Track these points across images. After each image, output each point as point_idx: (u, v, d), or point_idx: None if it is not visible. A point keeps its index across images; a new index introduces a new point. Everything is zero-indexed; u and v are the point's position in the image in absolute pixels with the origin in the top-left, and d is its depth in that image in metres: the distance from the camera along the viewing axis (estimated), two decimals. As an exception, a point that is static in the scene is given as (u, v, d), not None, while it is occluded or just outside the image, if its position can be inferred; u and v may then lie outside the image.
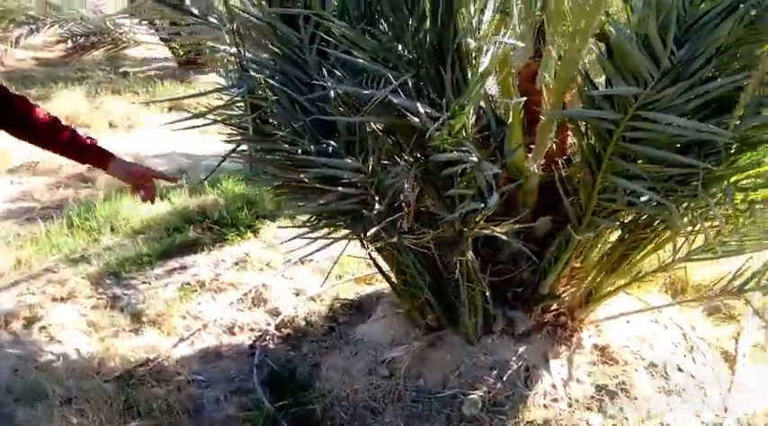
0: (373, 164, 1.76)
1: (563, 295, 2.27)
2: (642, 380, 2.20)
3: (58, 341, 2.49)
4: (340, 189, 1.75)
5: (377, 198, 1.86)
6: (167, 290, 3.04)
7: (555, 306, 2.31)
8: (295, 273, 3.23)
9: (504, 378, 2.16)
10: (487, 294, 2.16)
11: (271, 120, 1.97)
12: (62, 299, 2.84)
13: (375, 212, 1.85)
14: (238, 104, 2.12)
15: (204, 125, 2.33)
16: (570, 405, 2.08)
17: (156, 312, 2.74)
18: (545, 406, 2.07)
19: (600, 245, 2.21)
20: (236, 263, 3.33)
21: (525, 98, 2.01)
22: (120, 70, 8.71)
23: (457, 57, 1.53)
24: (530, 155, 2.15)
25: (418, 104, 1.49)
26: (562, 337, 2.33)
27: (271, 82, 1.79)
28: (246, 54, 1.94)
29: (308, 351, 2.48)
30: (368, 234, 1.83)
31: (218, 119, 2.17)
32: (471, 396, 2.10)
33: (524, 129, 2.11)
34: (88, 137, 1.83)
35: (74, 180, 4.64)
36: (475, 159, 1.61)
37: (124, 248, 3.41)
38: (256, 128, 1.97)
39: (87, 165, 1.94)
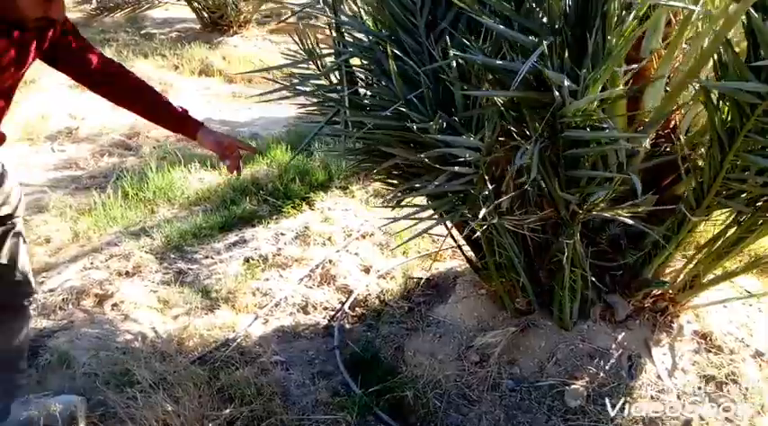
0: (490, 142, 1.61)
1: (669, 280, 2.13)
2: (750, 370, 2.08)
3: (133, 320, 2.41)
4: (456, 168, 1.61)
5: (487, 177, 1.72)
6: (231, 265, 2.95)
7: (656, 292, 2.18)
8: (358, 248, 3.13)
9: (607, 367, 2.05)
10: (590, 279, 2.04)
11: (369, 93, 1.83)
12: (128, 274, 2.76)
13: (485, 192, 1.72)
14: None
15: (283, 98, 2.21)
16: (679, 397, 1.97)
17: (227, 289, 2.65)
18: (652, 398, 1.97)
19: (711, 228, 2.06)
20: (297, 237, 3.22)
21: (636, 66, 1.84)
22: (143, 32, 8.52)
23: (602, 20, 1.36)
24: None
25: (564, 76, 1.34)
26: (662, 323, 2.21)
27: (376, 49, 1.64)
28: (342, 17, 1.79)
29: (388, 333, 2.39)
30: (478, 216, 1.70)
31: (309, 89, 2.04)
32: (574, 386, 2.00)
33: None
34: (179, 106, 1.82)
35: (117, 147, 4.53)
36: (615, 134, 1.46)
37: (182, 220, 3.32)
38: (353, 101, 1.83)
39: (178, 133, 1.88)
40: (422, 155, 1.59)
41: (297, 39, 2.29)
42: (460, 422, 1.98)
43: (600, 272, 2.17)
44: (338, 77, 1.88)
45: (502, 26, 1.36)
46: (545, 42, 1.32)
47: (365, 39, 1.71)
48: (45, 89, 5.45)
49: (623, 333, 2.16)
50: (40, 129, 4.71)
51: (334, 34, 1.80)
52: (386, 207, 2.31)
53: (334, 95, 2.06)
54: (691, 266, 2.15)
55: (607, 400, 1.94)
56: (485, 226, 1.98)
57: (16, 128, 4.55)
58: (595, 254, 2.11)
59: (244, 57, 7.79)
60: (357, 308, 2.62)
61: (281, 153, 4.21)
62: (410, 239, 2.72)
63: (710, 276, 2.14)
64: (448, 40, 1.57)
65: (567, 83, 1.36)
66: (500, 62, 1.39)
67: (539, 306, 2.25)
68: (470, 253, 2.44)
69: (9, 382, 1.84)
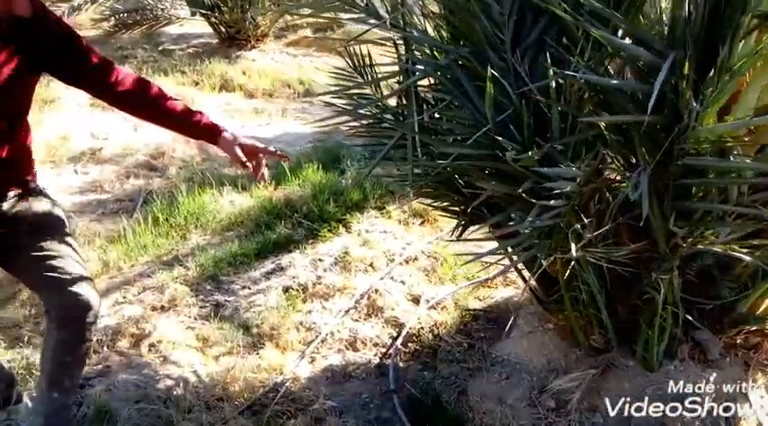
0: (589, 172, 1.42)
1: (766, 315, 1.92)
2: None
3: (173, 363, 2.24)
4: (552, 202, 1.42)
5: (580, 210, 1.53)
6: (270, 296, 2.77)
7: (750, 328, 1.97)
8: (403, 275, 2.94)
9: (702, 416, 1.84)
10: (681, 315, 1.83)
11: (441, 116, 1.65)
12: (163, 309, 2.59)
13: (579, 226, 1.53)
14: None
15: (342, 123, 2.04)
16: (788, 450, 1.76)
17: (269, 324, 2.47)
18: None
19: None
20: (336, 263, 3.04)
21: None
22: (160, 48, 8.44)
23: (733, 31, 1.17)
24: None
25: (691, 96, 1.14)
26: (757, 362, 2.00)
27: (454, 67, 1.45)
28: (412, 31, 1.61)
29: (448, 374, 2.19)
30: (572, 251, 1.50)
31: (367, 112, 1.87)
32: (668, 439, 1.79)
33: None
34: (198, 111, 1.74)
35: (142, 168, 4.38)
36: (746, 163, 1.26)
37: (216, 247, 3.14)
38: (423, 126, 1.65)
39: (196, 141, 1.74)
40: (519, 189, 1.40)
41: (347, 58, 2.14)
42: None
43: (688, 307, 1.96)
44: (401, 99, 1.70)
45: (617, 39, 1.16)
46: (670, 56, 1.13)
47: (439, 57, 1.53)
48: (65, 109, 5.34)
49: (714, 374, 1.95)
50: (61, 151, 4.57)
51: (401, 50, 1.62)
52: (451, 239, 2.11)
53: (389, 117, 1.89)
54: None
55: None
56: (565, 260, 1.79)
57: (36, 149, 4.43)
58: (684, 287, 1.90)
59: (263, 70, 7.68)
60: (410, 344, 2.43)
61: (312, 172, 4.04)
62: (469, 262, 2.52)
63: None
64: (534, 58, 1.38)
65: (694, 104, 1.17)
66: (615, 82, 1.20)
67: (617, 343, 2.04)
68: (532, 283, 2.25)
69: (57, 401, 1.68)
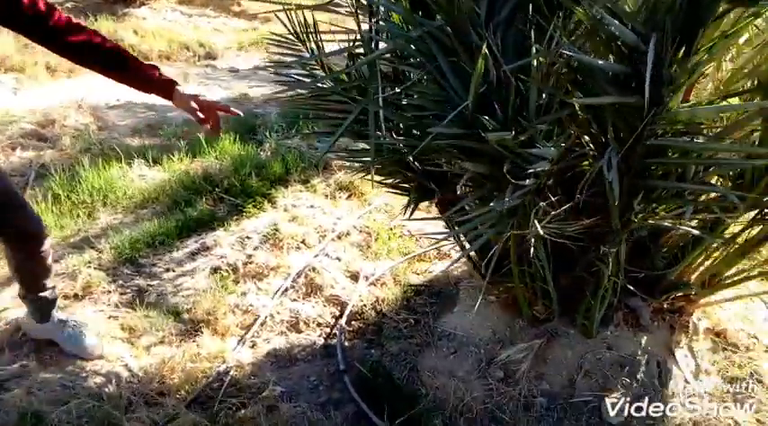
0: (561, 152, 1.43)
1: (692, 281, 2.08)
2: (766, 364, 2.08)
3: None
4: (527, 181, 1.42)
5: (549, 189, 1.55)
6: (198, 278, 2.61)
7: (677, 294, 2.12)
8: (337, 251, 2.87)
9: (637, 376, 1.97)
10: (620, 285, 1.93)
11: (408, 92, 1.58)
12: (77, 297, 2.35)
13: (544, 204, 1.55)
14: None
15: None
16: (711, 401, 1.93)
17: (203, 310, 2.32)
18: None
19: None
20: (266, 241, 2.91)
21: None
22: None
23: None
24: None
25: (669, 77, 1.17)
26: (680, 324, 2.17)
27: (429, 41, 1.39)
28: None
29: (397, 351, 2.18)
30: (536, 228, 1.52)
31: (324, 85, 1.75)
32: (611, 401, 1.90)
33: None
34: (152, 64, 1.70)
35: (29, 138, 3.92)
36: (717, 145, 1.32)
37: (129, 227, 2.89)
38: (387, 100, 1.58)
39: (151, 94, 1.69)
40: (503, 170, 1.37)
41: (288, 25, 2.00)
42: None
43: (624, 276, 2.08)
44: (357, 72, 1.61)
45: (603, 17, 1.16)
46: (653, 38, 1.14)
47: (403, 28, 1.45)
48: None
49: (645, 337, 2.10)
50: (-73, 119, 3.99)
51: (364, 20, 1.52)
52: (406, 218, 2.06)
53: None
54: (708, 264, 2.11)
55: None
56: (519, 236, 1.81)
57: None
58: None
59: (157, 31, 7.13)
60: (353, 322, 2.39)
61: (229, 143, 3.82)
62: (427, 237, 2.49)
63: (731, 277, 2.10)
64: (506, 35, 1.35)
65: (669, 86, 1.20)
66: (601, 62, 1.19)
67: (559, 313, 2.13)
68: (474, 257, 2.28)
69: (39, 300, 2.05)
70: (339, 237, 3.00)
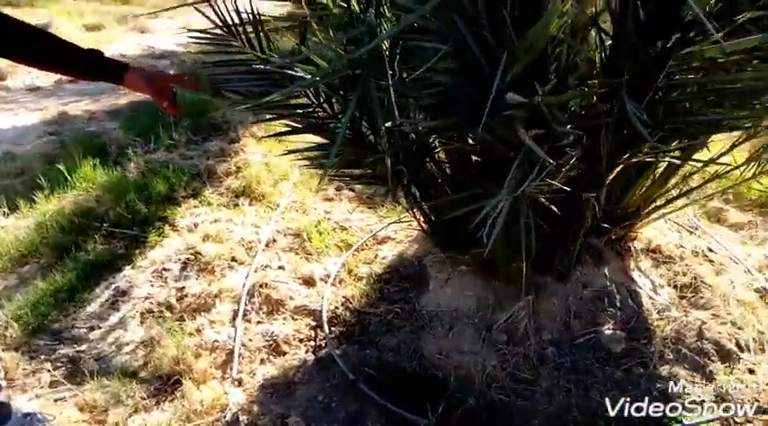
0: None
1: (638, 211, 2.31)
2: (700, 267, 2.41)
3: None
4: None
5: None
6: (132, 328, 2.25)
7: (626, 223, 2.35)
8: (274, 260, 2.67)
9: (618, 305, 2.16)
10: (593, 225, 2.09)
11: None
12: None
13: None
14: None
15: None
16: (677, 309, 2.19)
17: (166, 361, 2.00)
18: (663, 319, 2.14)
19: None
20: (188, 268, 2.60)
21: None
22: None
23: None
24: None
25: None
26: (625, 249, 2.41)
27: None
28: None
29: (395, 344, 2.11)
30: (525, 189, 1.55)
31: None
32: (608, 333, 2.06)
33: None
34: (93, 49, 1.52)
35: None
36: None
37: (16, 290, 2.37)
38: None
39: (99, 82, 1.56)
40: (530, 133, 1.35)
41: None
42: (533, 407, 1.88)
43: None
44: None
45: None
46: None
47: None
48: None
49: (606, 269, 2.29)
50: None
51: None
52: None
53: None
54: (641, 192, 2.35)
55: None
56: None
57: None
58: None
59: None
60: (333, 328, 2.25)
61: (89, 170, 3.30)
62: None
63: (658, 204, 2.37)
64: None
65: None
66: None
67: (533, 267, 2.22)
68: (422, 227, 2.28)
69: None
70: (268, 245, 2.78)
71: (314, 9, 1.53)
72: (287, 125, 1.95)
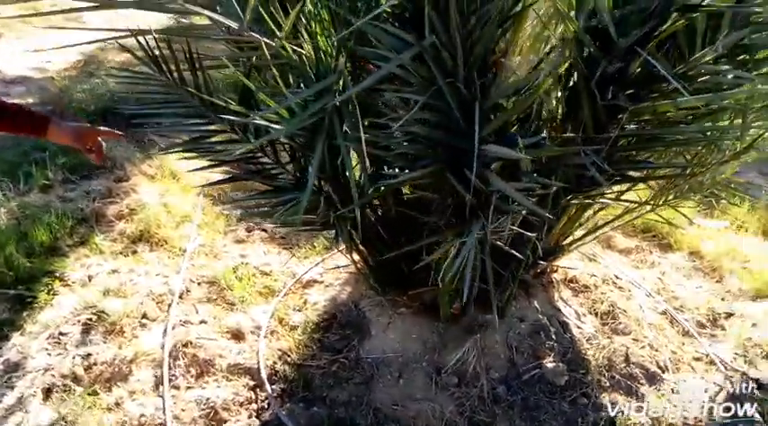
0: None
1: (565, 246, 2.43)
2: (612, 294, 2.60)
3: None
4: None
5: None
6: (33, 409, 1.93)
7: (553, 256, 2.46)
8: (192, 314, 2.45)
9: (553, 337, 2.25)
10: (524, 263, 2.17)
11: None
12: None
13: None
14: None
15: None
16: (603, 336, 2.33)
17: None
18: (592, 347, 2.27)
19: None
20: (92, 329, 2.30)
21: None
22: None
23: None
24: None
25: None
26: (547, 282, 2.53)
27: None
28: None
29: (346, 397, 2.01)
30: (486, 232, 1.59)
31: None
32: (551, 366, 2.13)
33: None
34: (12, 103, 1.50)
35: None
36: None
37: None
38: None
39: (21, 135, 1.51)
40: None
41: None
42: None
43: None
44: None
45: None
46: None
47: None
48: None
49: (535, 302, 2.39)
50: None
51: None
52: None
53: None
54: (559, 229, 2.49)
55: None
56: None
57: None
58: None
59: None
60: (273, 386, 2.09)
61: (-53, 219, 2.81)
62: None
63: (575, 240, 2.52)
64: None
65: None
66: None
67: (474, 306, 2.26)
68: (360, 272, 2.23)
69: None
70: (181, 297, 2.54)
71: (270, 53, 1.43)
72: (226, 172, 1.80)
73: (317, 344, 2.23)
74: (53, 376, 2.05)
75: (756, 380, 2.19)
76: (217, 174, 2.15)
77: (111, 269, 2.74)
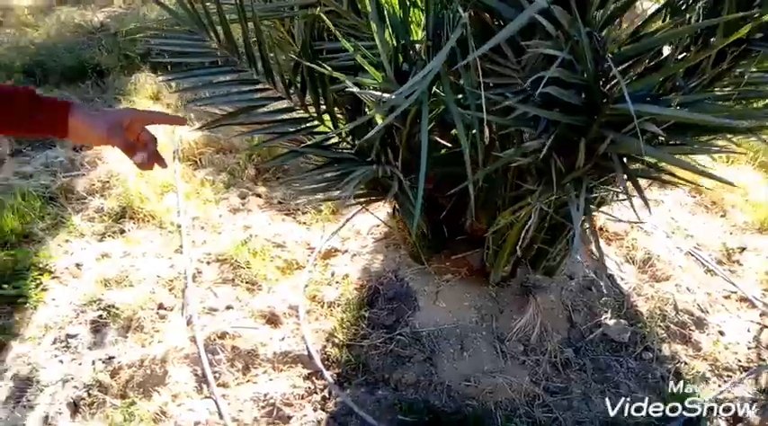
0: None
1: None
2: (643, 240, 2.57)
3: None
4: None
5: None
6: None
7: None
8: (208, 299, 2.21)
9: (604, 291, 2.20)
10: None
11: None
12: None
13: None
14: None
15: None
16: (648, 285, 2.30)
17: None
18: (645, 297, 2.24)
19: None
20: (98, 327, 2.03)
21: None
22: None
23: None
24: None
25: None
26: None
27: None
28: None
29: (412, 378, 1.86)
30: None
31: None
32: (612, 324, 2.08)
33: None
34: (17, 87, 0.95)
35: None
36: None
37: None
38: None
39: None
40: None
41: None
42: (580, 417, 1.81)
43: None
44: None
45: None
46: None
47: None
48: None
49: (578, 256, 2.32)
50: None
51: None
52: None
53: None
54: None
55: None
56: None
57: None
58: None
59: None
60: (328, 373, 1.92)
61: None
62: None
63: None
64: None
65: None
66: None
67: (517, 268, 2.16)
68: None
69: None
70: (193, 280, 2.28)
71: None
72: (282, 145, 1.54)
73: (365, 321, 2.06)
74: (75, 388, 1.79)
75: (793, 315, 2.25)
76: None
77: (100, 253, 2.43)
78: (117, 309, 2.07)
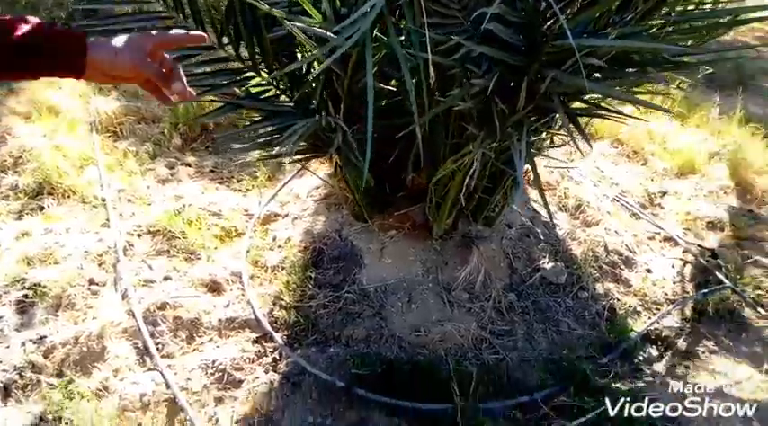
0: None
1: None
2: (574, 189, 2.67)
3: None
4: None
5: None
6: (6, 414, 1.56)
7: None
8: (143, 270, 2.11)
9: (541, 237, 2.28)
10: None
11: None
12: None
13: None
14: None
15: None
16: (580, 230, 2.40)
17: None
18: (579, 241, 2.33)
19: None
20: (25, 308, 1.90)
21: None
22: None
23: None
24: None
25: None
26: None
27: None
28: None
29: (362, 333, 1.87)
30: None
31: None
32: (549, 267, 2.16)
33: None
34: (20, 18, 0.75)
35: None
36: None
37: None
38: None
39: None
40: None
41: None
42: (525, 356, 1.88)
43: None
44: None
45: None
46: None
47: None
48: None
49: (513, 205, 2.38)
50: None
51: None
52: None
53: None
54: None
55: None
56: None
57: None
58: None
59: None
60: (276, 334, 1.89)
61: None
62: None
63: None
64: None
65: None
66: None
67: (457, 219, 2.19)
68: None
69: None
70: (125, 254, 2.17)
71: None
72: (218, 100, 1.46)
73: (311, 282, 2.03)
74: (5, 371, 1.67)
75: (711, 250, 2.41)
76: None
77: (20, 232, 2.26)
78: (44, 288, 1.94)
